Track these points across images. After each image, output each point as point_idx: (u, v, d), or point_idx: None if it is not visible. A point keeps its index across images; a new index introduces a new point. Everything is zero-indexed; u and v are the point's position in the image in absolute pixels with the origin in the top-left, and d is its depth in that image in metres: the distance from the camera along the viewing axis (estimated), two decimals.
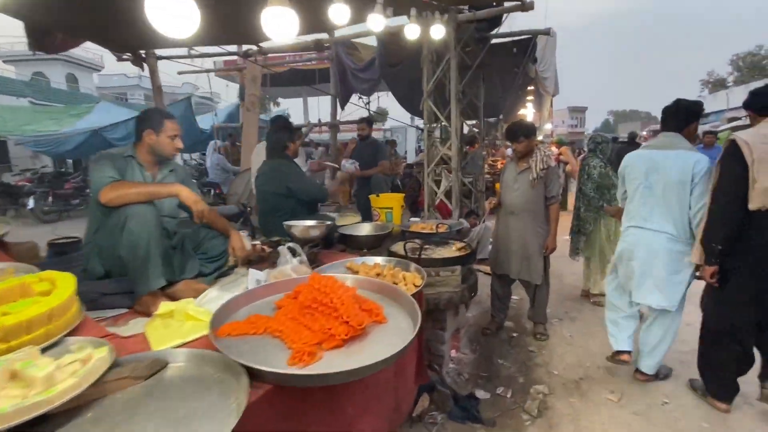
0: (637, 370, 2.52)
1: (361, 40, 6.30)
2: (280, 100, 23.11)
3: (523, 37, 5.42)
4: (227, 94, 15.85)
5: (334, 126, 8.03)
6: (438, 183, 4.52)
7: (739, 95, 17.72)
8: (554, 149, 9.75)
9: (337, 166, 5.34)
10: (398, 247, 2.38)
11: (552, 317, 3.43)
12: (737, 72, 30.02)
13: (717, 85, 31.05)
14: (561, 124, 47.65)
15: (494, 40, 5.14)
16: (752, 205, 1.87)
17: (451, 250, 2.47)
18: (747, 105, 2.08)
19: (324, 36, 5.35)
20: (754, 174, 1.85)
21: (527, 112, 12.53)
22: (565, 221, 3.78)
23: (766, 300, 1.97)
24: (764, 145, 1.87)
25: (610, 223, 3.62)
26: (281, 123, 3.60)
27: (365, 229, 2.84)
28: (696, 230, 2.12)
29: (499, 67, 5.76)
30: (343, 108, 7.71)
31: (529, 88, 9.45)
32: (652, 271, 2.27)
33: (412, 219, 3.70)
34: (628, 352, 2.57)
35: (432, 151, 4.48)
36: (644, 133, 27.11)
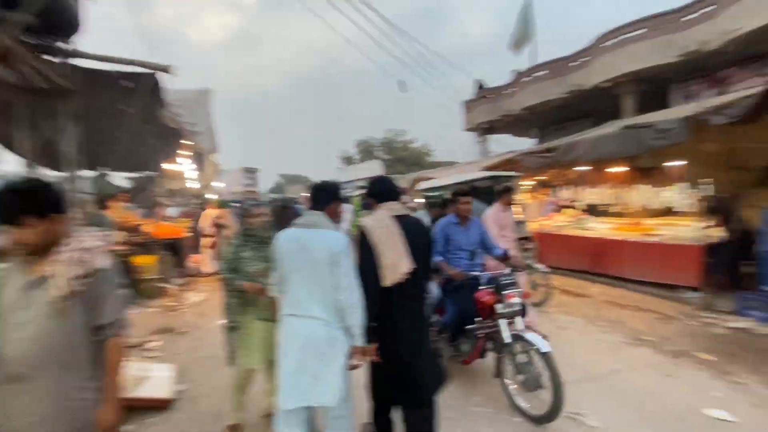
0: None
1: None
2: None
3: (136, 70, 4.07)
4: None
5: None
6: None
7: (361, 170, 23.28)
8: (211, 211, 8.76)
9: None
10: None
11: None
12: (359, 153, 40.43)
13: (347, 161, 40.69)
14: (236, 182, 48.49)
15: (86, 64, 3.53)
16: (385, 283, 2.18)
17: None
18: (368, 194, 2.47)
19: None
20: (379, 254, 2.17)
21: (182, 168, 11.12)
22: None
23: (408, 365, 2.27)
24: (382, 228, 2.22)
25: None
26: None
27: None
28: (347, 312, 2.10)
29: (100, 102, 4.10)
30: None
31: (182, 141, 8.25)
32: (309, 365, 2.07)
33: None
34: None
35: None
36: (302, 195, 31.49)
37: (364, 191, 14.31)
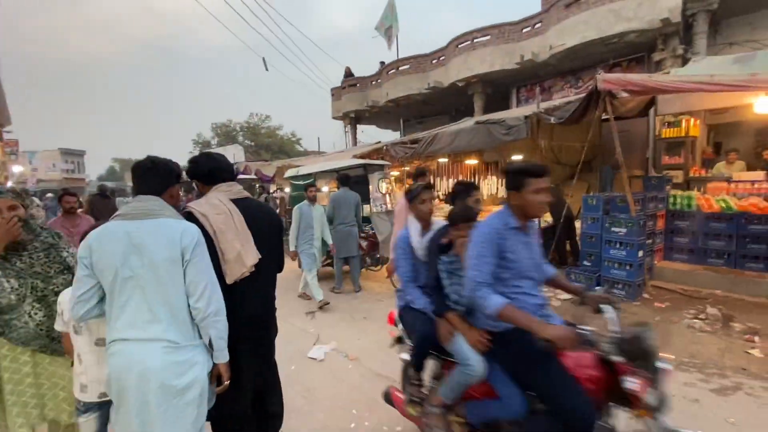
0: None
1: None
2: None
3: None
4: None
5: None
6: None
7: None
8: None
9: None
10: None
11: None
12: (218, 137, 36.85)
13: (204, 145, 36.68)
14: (52, 167, 39.31)
15: None
16: (229, 279, 1.80)
17: None
18: (192, 175, 1.96)
19: None
20: (220, 246, 1.79)
21: None
22: None
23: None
24: (220, 215, 1.81)
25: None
26: None
27: None
28: (208, 323, 1.61)
29: None
30: None
31: None
32: (152, 409, 1.50)
33: None
34: None
35: None
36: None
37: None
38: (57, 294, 1.85)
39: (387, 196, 6.06)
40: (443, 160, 9.22)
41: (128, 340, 1.52)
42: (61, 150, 41.68)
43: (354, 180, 6.34)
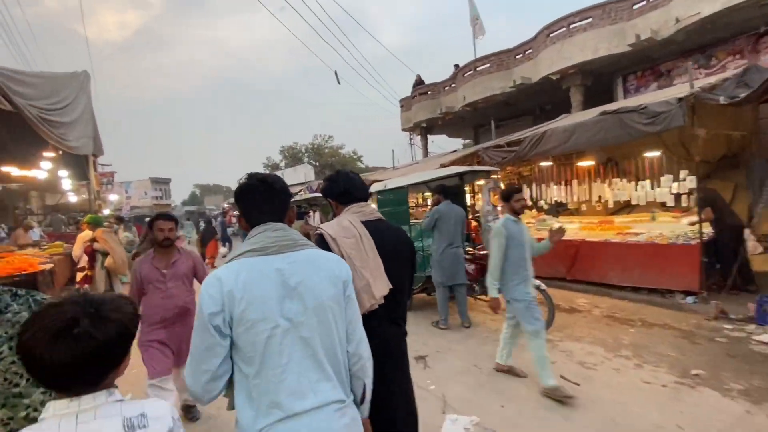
0: None
1: None
2: None
3: None
4: None
5: None
6: None
7: (289, 176, 21.39)
8: (85, 233, 6.31)
9: None
10: None
11: None
12: (285, 159, 38.24)
13: (273, 167, 38.20)
14: (144, 195, 43.32)
15: None
16: (362, 309, 1.45)
17: None
18: (326, 193, 1.84)
19: None
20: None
21: (48, 175, 8.42)
22: None
23: None
24: (351, 239, 1.62)
25: None
26: None
27: None
28: (361, 370, 1.32)
29: None
30: None
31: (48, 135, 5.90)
32: None
33: None
34: None
35: None
36: (226, 205, 28.53)
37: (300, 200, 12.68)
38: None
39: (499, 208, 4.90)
40: (546, 164, 7.83)
41: (298, 414, 1.14)
42: (151, 179, 45.89)
43: (451, 191, 5.27)
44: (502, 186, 5.20)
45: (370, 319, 1.51)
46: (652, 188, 6.40)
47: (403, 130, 16.50)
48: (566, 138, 6.21)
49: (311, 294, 1.18)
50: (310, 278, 1.19)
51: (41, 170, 7.91)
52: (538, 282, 4.61)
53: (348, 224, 1.65)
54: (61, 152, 7.85)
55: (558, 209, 8.74)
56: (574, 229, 7.58)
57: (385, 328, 1.66)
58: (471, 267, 5.19)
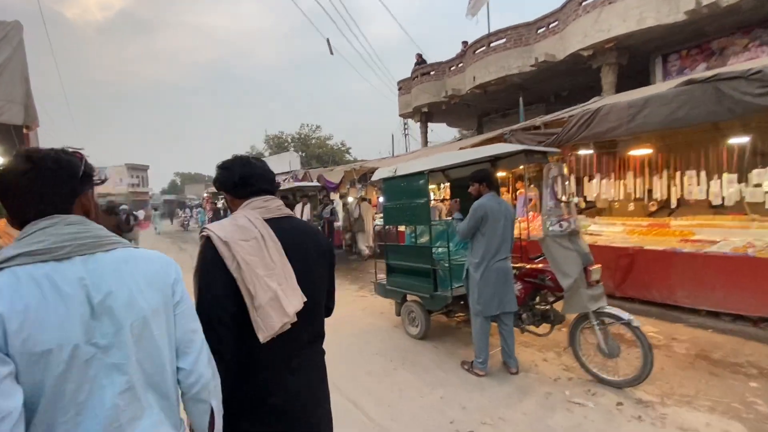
0: None
1: None
2: None
3: None
4: None
5: None
6: None
7: (273, 163, 19.81)
8: None
9: None
10: None
11: None
12: (270, 149, 36.56)
13: (258, 157, 36.62)
14: (119, 182, 40.87)
15: None
16: (263, 335, 1.17)
17: None
18: (218, 185, 1.44)
19: None
20: (247, 286, 1.18)
21: None
22: None
23: None
24: (249, 241, 1.23)
25: None
26: None
27: None
28: (202, 393, 1.04)
29: None
30: None
31: None
32: None
33: None
34: None
35: None
36: (205, 194, 26.82)
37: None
38: None
39: (569, 204, 3.37)
40: (586, 152, 6.39)
41: None
42: (127, 165, 43.34)
43: (495, 181, 3.74)
44: (566, 171, 3.75)
45: (282, 343, 1.22)
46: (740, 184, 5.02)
47: (401, 116, 14.89)
48: (632, 115, 4.72)
49: (126, 307, 0.91)
50: (124, 287, 0.92)
51: None
52: (627, 315, 3.15)
53: (246, 223, 1.28)
54: None
55: (582, 208, 7.37)
56: (618, 233, 6.18)
57: (304, 351, 1.33)
58: (517, 287, 3.71)
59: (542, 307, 3.83)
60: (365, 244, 9.96)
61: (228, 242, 1.21)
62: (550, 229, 3.42)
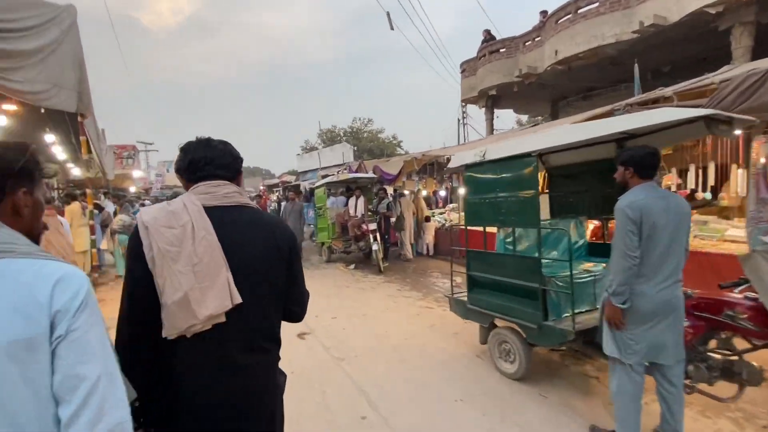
0: None
1: None
2: None
3: None
4: None
5: None
6: None
7: (327, 155, 19.54)
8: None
9: None
10: None
11: None
12: (324, 143, 36.85)
13: (310, 150, 37.00)
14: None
15: None
16: (164, 332, 1.09)
17: None
18: (175, 169, 1.34)
19: None
20: (157, 280, 1.09)
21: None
22: None
23: None
24: (173, 229, 1.11)
25: None
26: None
27: None
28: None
29: None
30: None
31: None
32: None
33: None
34: None
35: None
36: (262, 187, 27.61)
37: (330, 182, 10.33)
38: None
39: None
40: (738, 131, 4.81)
41: None
42: None
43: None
44: None
45: (208, 345, 1.12)
46: None
47: (463, 101, 13.50)
48: None
49: None
50: None
51: None
52: None
53: (179, 208, 1.16)
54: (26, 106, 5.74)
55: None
56: None
57: (236, 357, 1.17)
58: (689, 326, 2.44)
59: (723, 355, 2.52)
60: (410, 242, 8.97)
61: (148, 228, 1.11)
62: (761, 239, 2.12)
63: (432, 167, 10.31)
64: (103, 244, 8.63)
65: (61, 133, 7.67)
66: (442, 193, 11.40)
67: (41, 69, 4.72)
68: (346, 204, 9.79)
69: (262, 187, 27.05)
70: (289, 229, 1.38)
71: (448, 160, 6.48)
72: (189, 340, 1.10)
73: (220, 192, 1.21)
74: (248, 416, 1.19)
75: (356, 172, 10.48)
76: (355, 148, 34.27)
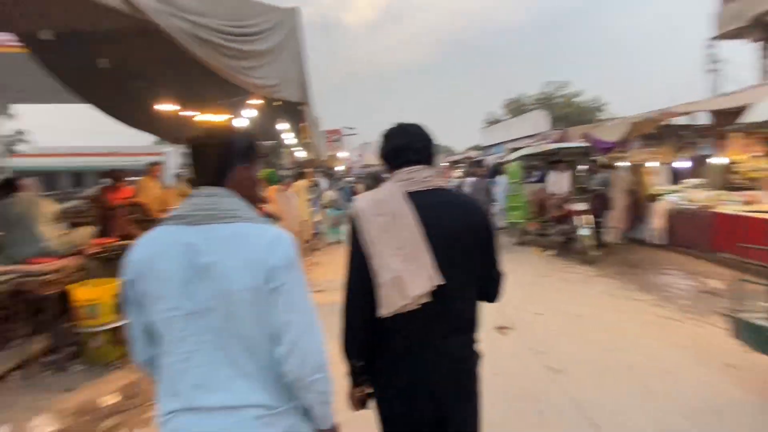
0: None
1: None
2: None
3: None
4: None
5: None
6: None
7: (515, 127, 18.07)
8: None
9: None
10: None
11: None
12: (510, 114, 34.25)
13: (495, 122, 34.99)
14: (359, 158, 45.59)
15: None
16: (382, 311, 1.22)
17: None
18: (383, 155, 1.43)
19: None
20: (371, 263, 1.22)
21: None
22: None
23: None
24: (382, 216, 1.24)
25: None
26: None
27: None
28: (297, 376, 1.01)
29: None
30: None
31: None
32: None
33: None
34: None
35: None
36: (445, 164, 27.86)
37: (523, 154, 9.23)
38: None
39: None
40: None
41: (201, 409, 0.97)
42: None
43: None
44: None
45: (412, 324, 1.22)
46: None
47: (720, 37, 9.89)
48: None
49: (222, 279, 0.98)
50: (226, 260, 0.98)
51: (241, 117, 7.18)
52: None
53: (385, 196, 1.28)
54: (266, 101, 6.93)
55: None
56: None
57: (436, 336, 1.25)
58: None
59: None
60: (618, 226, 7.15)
61: (361, 217, 1.25)
62: None
63: (663, 132, 8.01)
64: (317, 216, 10.02)
65: (290, 122, 9.12)
66: (680, 164, 8.76)
67: (274, 66, 5.42)
68: (542, 179, 8.60)
69: (445, 164, 27.14)
70: (483, 208, 1.40)
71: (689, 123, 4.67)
72: (398, 320, 1.19)
73: (419, 177, 1.29)
74: (455, 395, 1.26)
75: (559, 141, 9.06)
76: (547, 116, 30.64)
